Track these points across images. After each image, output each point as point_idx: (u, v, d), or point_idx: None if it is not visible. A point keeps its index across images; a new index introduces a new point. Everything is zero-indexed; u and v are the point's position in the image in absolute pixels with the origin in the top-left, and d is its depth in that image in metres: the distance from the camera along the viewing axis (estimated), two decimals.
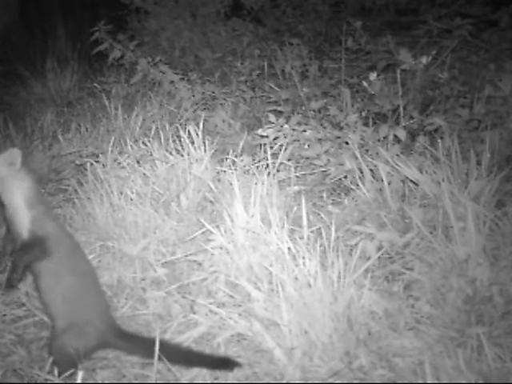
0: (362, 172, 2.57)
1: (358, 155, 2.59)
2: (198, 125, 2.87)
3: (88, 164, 2.82)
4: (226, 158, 2.81)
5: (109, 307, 1.94)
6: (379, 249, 2.14)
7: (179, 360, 1.78)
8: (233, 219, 2.24)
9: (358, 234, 2.27)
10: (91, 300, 1.88)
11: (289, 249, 1.98)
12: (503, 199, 2.34)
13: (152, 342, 1.70)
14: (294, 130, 2.88)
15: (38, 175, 2.00)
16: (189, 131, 2.83)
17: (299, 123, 2.91)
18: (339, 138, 2.82)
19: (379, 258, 2.12)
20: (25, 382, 1.81)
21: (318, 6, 4.75)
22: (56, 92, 4.42)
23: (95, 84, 4.23)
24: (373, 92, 2.96)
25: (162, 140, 2.95)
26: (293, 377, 1.74)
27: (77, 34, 4.84)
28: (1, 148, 3.19)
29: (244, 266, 2.12)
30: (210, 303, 2.01)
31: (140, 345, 1.83)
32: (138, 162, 2.82)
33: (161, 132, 3.05)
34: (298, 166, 2.88)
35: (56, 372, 1.76)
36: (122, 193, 2.62)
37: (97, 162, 2.85)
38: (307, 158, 2.87)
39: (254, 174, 2.58)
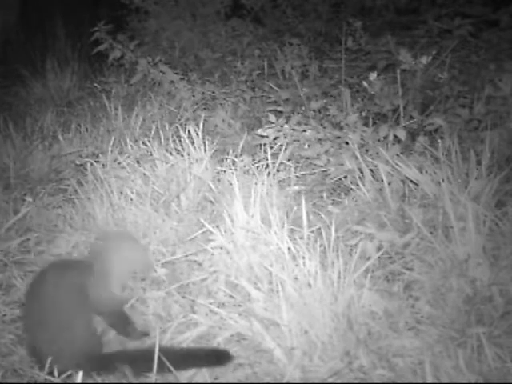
0: (362, 172, 2.57)
1: (358, 155, 2.59)
2: (197, 125, 2.87)
3: (88, 164, 2.82)
4: (226, 158, 2.81)
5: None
6: (379, 249, 2.14)
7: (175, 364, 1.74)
8: (233, 219, 2.24)
9: (358, 233, 2.27)
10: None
11: (289, 249, 1.98)
12: (503, 199, 2.33)
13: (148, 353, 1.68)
14: (293, 130, 2.88)
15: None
16: (189, 131, 2.83)
17: (299, 123, 2.91)
18: (339, 137, 2.82)
19: (379, 258, 2.12)
20: (25, 381, 1.81)
21: (318, 6, 4.76)
22: (56, 92, 4.42)
23: (95, 84, 4.23)
24: (373, 92, 2.96)
25: (162, 140, 2.95)
26: (293, 377, 1.73)
27: (77, 34, 4.84)
28: (1, 148, 3.22)
29: (244, 266, 2.12)
30: (210, 303, 2.01)
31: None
32: (138, 162, 2.82)
33: (161, 132, 3.05)
34: (298, 166, 2.88)
35: (56, 372, 1.76)
36: (122, 193, 2.62)
37: (97, 161, 2.85)
38: (307, 158, 2.86)
39: (254, 174, 2.58)
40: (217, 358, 1.81)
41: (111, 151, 2.88)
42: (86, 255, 2.08)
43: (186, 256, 2.32)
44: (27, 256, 2.41)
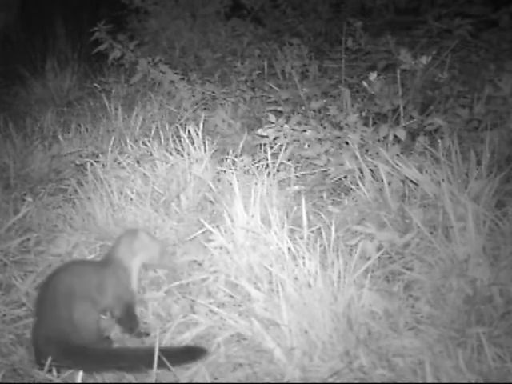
0: (361, 172, 2.57)
1: (358, 155, 2.59)
2: (197, 125, 2.87)
3: (88, 164, 2.82)
4: (226, 158, 2.81)
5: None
6: (379, 249, 2.14)
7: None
8: (233, 219, 2.25)
9: (358, 234, 2.27)
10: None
11: (289, 249, 1.98)
12: (503, 199, 2.34)
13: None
14: (293, 130, 2.88)
15: None
16: (189, 131, 2.83)
17: (299, 123, 2.92)
18: (339, 138, 2.82)
19: (379, 258, 2.12)
20: (25, 381, 1.81)
21: (317, 6, 4.76)
22: (56, 92, 4.42)
23: (95, 84, 4.24)
24: (373, 92, 2.96)
25: (162, 140, 2.95)
26: (293, 377, 1.73)
27: (77, 34, 4.84)
28: (1, 148, 3.22)
29: (244, 266, 2.12)
30: (210, 303, 2.01)
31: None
32: (137, 162, 2.82)
33: (161, 132, 3.05)
34: (298, 166, 2.88)
35: (55, 372, 1.76)
36: (122, 193, 2.62)
37: (97, 161, 2.86)
38: (307, 158, 2.87)
39: (254, 174, 2.58)
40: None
41: (111, 151, 2.88)
42: (105, 254, 2.16)
43: (186, 256, 2.33)
44: (27, 256, 2.41)
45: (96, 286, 1.95)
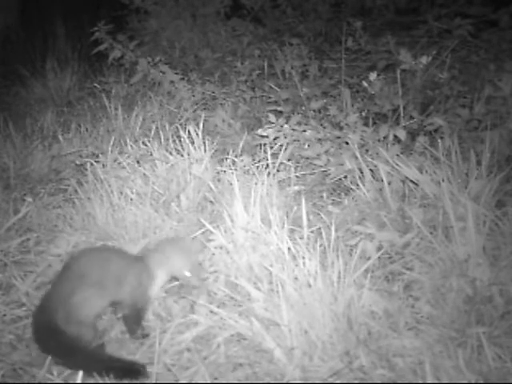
0: (361, 172, 2.57)
1: (358, 155, 2.59)
2: (197, 125, 2.87)
3: (88, 164, 2.82)
4: (226, 158, 2.81)
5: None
6: (379, 249, 2.14)
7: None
8: (233, 219, 2.25)
9: (358, 234, 2.28)
10: None
11: (289, 249, 1.98)
12: (503, 199, 2.34)
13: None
14: (293, 130, 2.88)
15: None
16: (189, 131, 2.83)
17: (299, 123, 2.91)
18: (339, 138, 2.82)
19: (379, 258, 2.12)
20: (25, 381, 1.81)
21: (318, 6, 4.76)
22: (56, 92, 4.42)
23: (95, 84, 4.23)
24: (373, 92, 2.96)
25: (162, 140, 2.95)
26: (293, 377, 1.74)
27: (77, 34, 4.84)
28: (1, 148, 3.22)
29: (244, 266, 2.12)
30: (210, 303, 2.01)
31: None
32: (137, 162, 2.82)
33: (161, 132, 3.05)
34: (298, 166, 2.88)
35: (55, 371, 1.76)
36: (122, 193, 2.62)
37: (97, 162, 2.85)
38: (307, 158, 2.87)
39: (254, 174, 2.58)
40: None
41: (111, 151, 2.88)
42: (140, 251, 2.18)
43: None
44: (27, 256, 2.41)
45: (114, 276, 1.95)
